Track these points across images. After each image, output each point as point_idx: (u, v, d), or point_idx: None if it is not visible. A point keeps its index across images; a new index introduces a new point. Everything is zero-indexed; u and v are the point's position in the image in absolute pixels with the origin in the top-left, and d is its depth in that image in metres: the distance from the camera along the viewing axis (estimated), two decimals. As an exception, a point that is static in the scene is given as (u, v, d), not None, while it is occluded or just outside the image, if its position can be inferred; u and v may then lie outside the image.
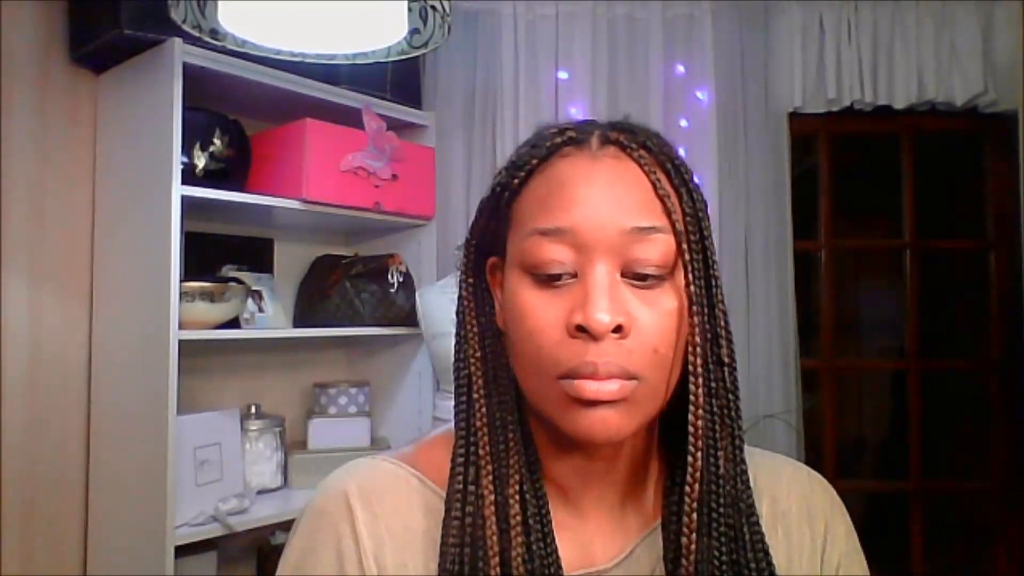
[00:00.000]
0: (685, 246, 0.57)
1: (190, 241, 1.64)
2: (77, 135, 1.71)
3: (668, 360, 0.56)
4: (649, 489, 0.65)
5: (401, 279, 1.96)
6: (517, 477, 0.58)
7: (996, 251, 2.35)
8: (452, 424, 0.64)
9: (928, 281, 2.44)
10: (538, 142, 0.60)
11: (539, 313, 0.56)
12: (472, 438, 0.60)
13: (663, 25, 2.24)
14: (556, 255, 0.56)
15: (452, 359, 0.65)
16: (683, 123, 2.25)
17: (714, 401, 0.58)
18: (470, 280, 0.64)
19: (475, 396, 0.61)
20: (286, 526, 1.59)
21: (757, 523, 0.60)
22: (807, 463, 0.72)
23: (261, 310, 1.91)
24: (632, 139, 0.59)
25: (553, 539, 0.58)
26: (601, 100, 2.22)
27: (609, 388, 0.54)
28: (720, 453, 0.58)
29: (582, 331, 0.54)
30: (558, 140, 0.59)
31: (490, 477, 0.58)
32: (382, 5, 1.21)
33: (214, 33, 1.26)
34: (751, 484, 0.61)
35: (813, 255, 2.43)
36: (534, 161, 0.59)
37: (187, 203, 1.55)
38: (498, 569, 0.56)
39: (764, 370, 2.22)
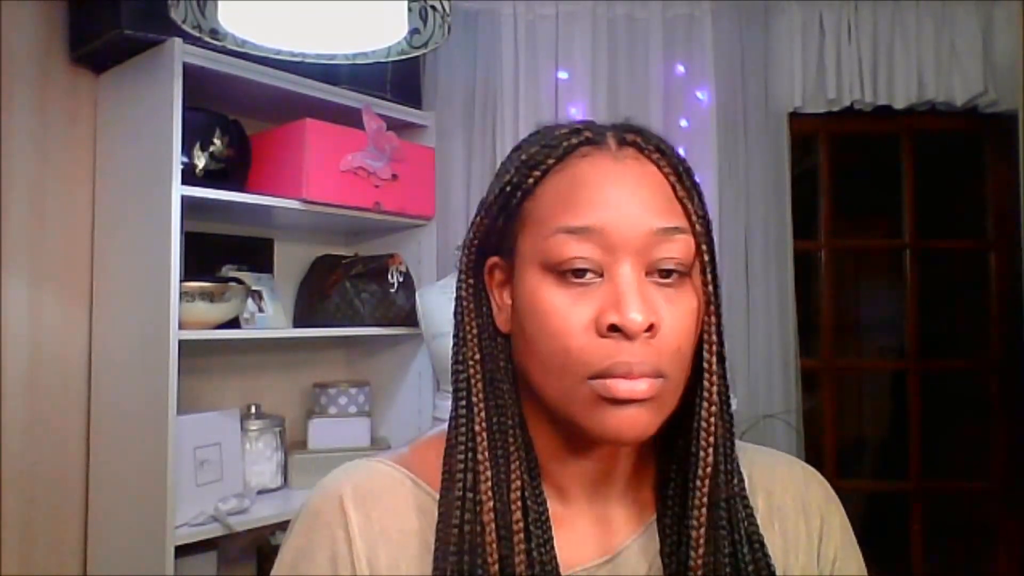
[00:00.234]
0: (704, 247, 0.59)
1: (190, 241, 1.64)
2: (77, 135, 1.71)
3: (688, 358, 0.58)
4: (643, 484, 0.65)
5: (401, 279, 1.96)
6: (519, 483, 0.58)
7: (996, 251, 2.36)
8: (445, 425, 0.64)
9: (928, 281, 2.44)
10: (551, 142, 0.60)
11: (565, 313, 0.56)
12: (471, 443, 0.59)
13: (663, 25, 2.24)
14: (583, 253, 0.55)
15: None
16: (683, 123, 2.25)
17: (721, 398, 0.60)
18: (470, 281, 0.63)
19: (474, 400, 0.60)
20: (286, 526, 1.59)
21: (752, 517, 0.61)
22: (807, 463, 0.72)
23: (261, 310, 1.91)
24: (647, 141, 0.60)
25: (553, 544, 0.58)
26: (601, 100, 2.22)
27: (641, 387, 0.54)
28: (722, 449, 0.59)
29: (614, 331, 0.54)
30: (575, 140, 0.59)
31: (489, 483, 0.58)
32: (382, 5, 1.21)
33: (214, 33, 1.26)
34: (746, 479, 0.63)
35: (813, 255, 2.43)
36: (551, 161, 0.59)
37: (187, 203, 1.55)
38: None
39: (764, 370, 2.22)
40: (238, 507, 1.66)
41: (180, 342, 1.52)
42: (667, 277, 0.57)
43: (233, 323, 1.76)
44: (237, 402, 1.89)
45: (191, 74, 1.56)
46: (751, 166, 2.26)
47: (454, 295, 0.64)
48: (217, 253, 1.91)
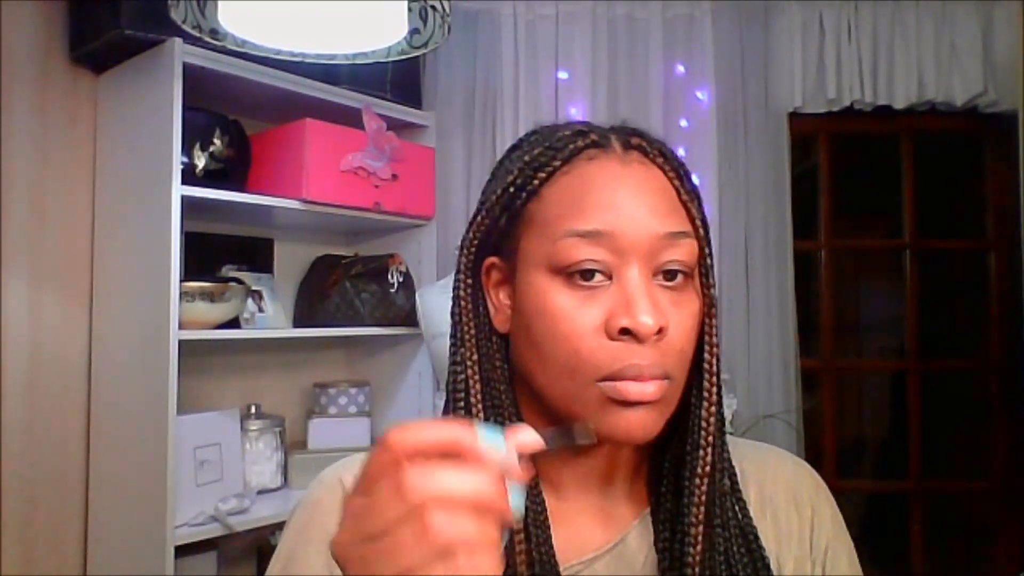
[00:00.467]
0: (707, 250, 0.60)
1: (190, 241, 1.64)
2: (77, 135, 1.71)
3: (690, 359, 0.59)
4: (638, 477, 0.66)
5: (401, 279, 1.96)
6: None
7: (996, 251, 2.36)
8: None
9: (928, 281, 2.44)
10: (556, 143, 0.60)
11: (574, 315, 0.56)
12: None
13: (663, 25, 2.24)
14: (592, 256, 0.56)
15: None
16: (683, 123, 2.25)
17: (719, 398, 0.61)
18: (468, 281, 0.63)
19: (472, 400, 0.60)
20: (286, 526, 1.59)
21: (746, 510, 0.63)
22: (807, 463, 0.73)
23: (261, 310, 1.91)
24: (651, 145, 0.60)
25: (551, 543, 0.59)
26: (601, 100, 2.22)
27: (650, 390, 0.55)
28: (717, 447, 0.61)
29: (625, 334, 0.55)
30: (580, 143, 0.59)
31: None
32: (382, 5, 1.21)
33: (214, 33, 1.26)
34: (738, 473, 0.64)
35: (813, 255, 2.43)
36: (556, 163, 0.59)
37: (187, 203, 1.55)
38: None
39: (764, 370, 2.22)
40: (238, 507, 1.66)
41: (180, 342, 1.52)
42: (672, 280, 0.58)
43: (233, 323, 1.76)
44: (237, 402, 1.89)
45: (191, 74, 1.56)
46: (751, 166, 2.26)
47: (452, 298, 0.64)
48: (217, 253, 1.91)
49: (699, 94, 2.25)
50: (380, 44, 1.29)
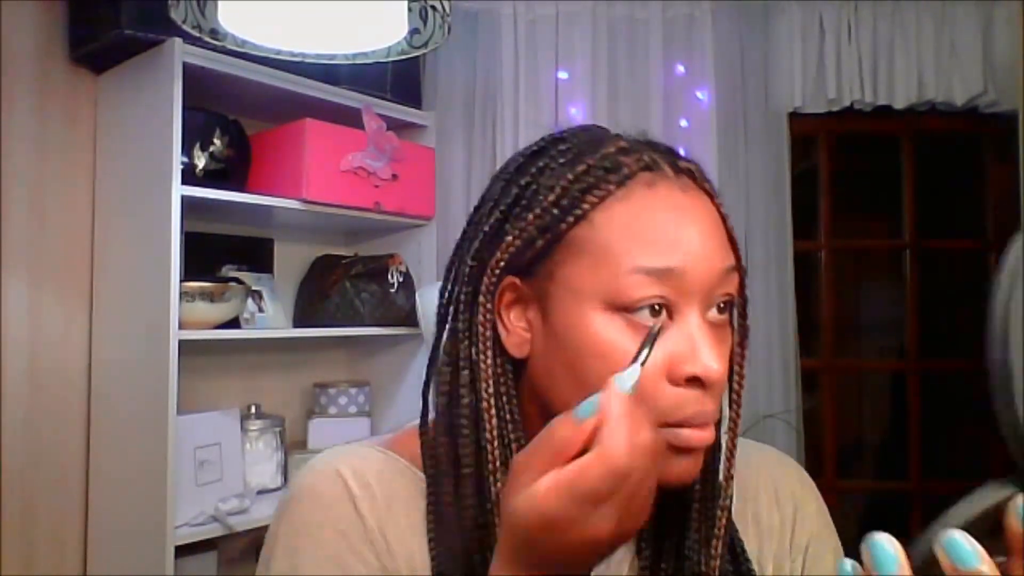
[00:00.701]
0: (747, 293, 0.58)
1: (190, 241, 1.64)
2: (77, 135, 1.71)
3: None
4: None
5: (401, 279, 1.96)
6: None
7: (996, 251, 2.35)
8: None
9: (928, 281, 2.44)
10: (605, 163, 0.55)
11: None
12: (484, 483, 0.56)
13: (663, 25, 2.24)
14: (660, 293, 0.53)
15: None
16: (683, 123, 2.25)
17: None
18: (488, 306, 0.57)
19: (487, 437, 0.56)
20: (286, 526, 1.59)
21: (732, 523, 0.62)
22: (807, 463, 0.73)
23: (261, 310, 1.91)
24: (697, 168, 0.58)
25: None
26: (601, 100, 2.22)
27: (708, 435, 0.54)
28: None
29: (692, 380, 0.53)
30: (634, 165, 0.55)
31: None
32: (382, 5, 1.21)
33: (214, 33, 1.26)
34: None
35: (813, 255, 2.43)
36: (611, 186, 0.55)
37: (187, 203, 1.55)
38: None
39: (764, 370, 2.22)
40: (238, 507, 1.66)
41: (180, 342, 1.52)
42: (722, 313, 0.56)
43: (233, 323, 1.76)
44: (237, 402, 1.89)
45: (191, 74, 1.56)
46: (751, 166, 2.26)
47: (453, 313, 0.60)
48: (217, 253, 1.91)
49: (699, 94, 2.25)
50: (380, 44, 1.29)
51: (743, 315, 0.58)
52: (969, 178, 2.48)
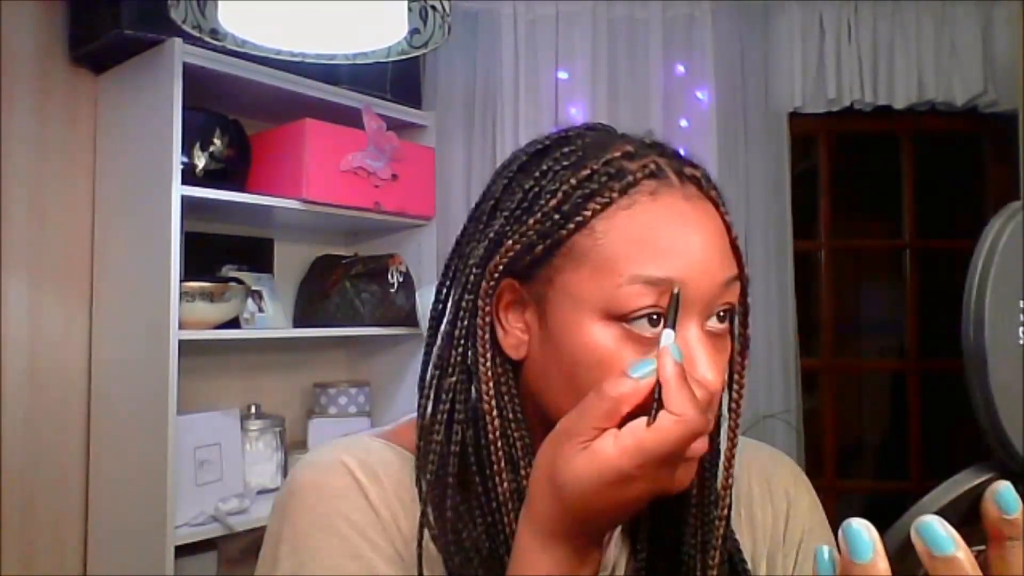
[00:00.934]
0: (748, 290, 0.58)
1: (190, 241, 1.64)
2: (77, 135, 1.71)
3: None
4: None
5: (401, 279, 1.96)
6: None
7: (996, 251, 2.35)
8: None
9: (928, 281, 2.44)
10: (607, 169, 0.55)
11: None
12: (490, 483, 0.56)
13: (663, 25, 2.24)
14: (656, 303, 0.52)
15: None
16: (683, 123, 2.25)
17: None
18: (487, 309, 0.57)
19: (490, 438, 0.56)
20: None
21: (730, 526, 0.62)
22: (807, 463, 0.73)
23: (261, 310, 1.91)
24: (704, 175, 0.57)
25: None
26: (601, 100, 2.22)
27: (704, 445, 0.53)
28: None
29: None
30: (639, 173, 0.54)
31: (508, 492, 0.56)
32: (382, 5, 1.21)
33: (214, 33, 1.26)
34: None
35: (813, 255, 2.43)
36: (614, 194, 0.54)
37: (187, 203, 1.55)
38: None
39: (764, 370, 2.22)
40: (238, 507, 1.66)
41: (180, 342, 1.52)
42: (722, 322, 0.55)
43: (233, 323, 1.76)
44: (237, 402, 1.89)
45: (191, 74, 1.56)
46: (751, 166, 2.26)
47: (450, 315, 0.60)
48: (217, 253, 1.91)
49: (699, 94, 2.25)
50: (380, 44, 1.29)
51: (744, 324, 0.58)
52: (969, 178, 2.48)
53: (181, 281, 1.56)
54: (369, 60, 1.34)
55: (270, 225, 2.04)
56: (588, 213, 0.54)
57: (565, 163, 0.57)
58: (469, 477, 0.57)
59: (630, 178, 0.54)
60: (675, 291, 0.51)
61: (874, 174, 2.69)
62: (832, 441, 2.36)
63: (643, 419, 0.46)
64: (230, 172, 1.70)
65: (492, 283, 0.57)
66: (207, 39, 1.27)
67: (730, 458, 0.58)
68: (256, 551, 0.63)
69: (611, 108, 2.21)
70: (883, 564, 0.35)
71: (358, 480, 0.59)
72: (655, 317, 0.52)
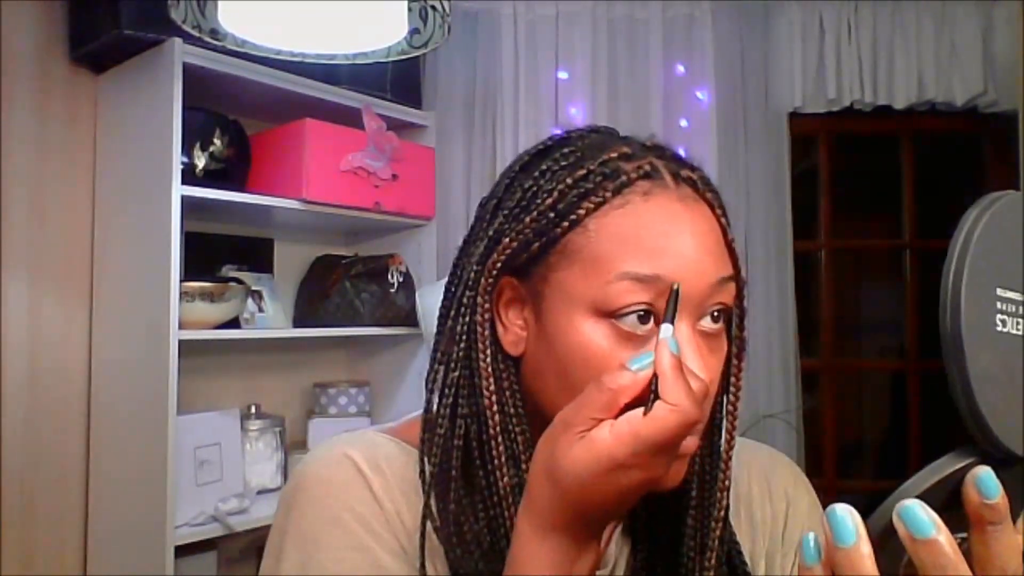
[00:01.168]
0: (745, 292, 0.58)
1: (190, 241, 1.64)
2: (77, 135, 1.71)
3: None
4: None
5: (401, 279, 1.96)
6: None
7: (996, 251, 2.35)
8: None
9: (928, 281, 2.44)
10: (602, 169, 0.55)
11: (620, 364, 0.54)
12: (492, 477, 0.56)
13: (663, 25, 2.25)
14: (647, 300, 0.52)
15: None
16: (683, 123, 2.25)
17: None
18: (486, 305, 0.58)
19: (491, 433, 0.56)
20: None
21: (732, 529, 0.63)
22: (807, 463, 0.73)
23: (261, 310, 1.91)
24: (702, 181, 0.58)
25: None
26: (601, 100, 2.22)
27: (694, 444, 0.54)
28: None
29: None
30: (633, 174, 0.55)
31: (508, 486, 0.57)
32: (382, 5, 1.21)
33: (214, 33, 1.26)
34: None
35: (813, 255, 2.43)
36: (607, 193, 0.55)
37: (187, 203, 1.55)
38: None
39: (764, 370, 2.22)
40: (238, 507, 1.66)
41: (180, 342, 1.52)
42: (716, 323, 0.56)
43: (233, 323, 1.76)
44: (237, 402, 1.89)
45: (191, 74, 1.56)
46: (751, 166, 2.26)
47: (453, 311, 0.60)
48: (217, 253, 1.91)
49: (699, 94, 2.25)
50: (380, 44, 1.29)
51: (740, 327, 0.58)
52: (969, 178, 2.48)
53: (181, 281, 1.56)
54: (369, 60, 1.34)
55: (270, 225, 2.04)
56: (582, 212, 0.55)
57: (563, 163, 0.57)
58: (472, 471, 0.58)
59: (624, 178, 0.55)
60: (675, 287, 0.51)
61: (874, 174, 2.69)
62: (832, 441, 2.37)
63: (640, 409, 0.47)
64: (230, 172, 1.70)
65: (491, 280, 0.58)
66: (207, 39, 1.27)
67: (728, 460, 0.59)
68: (256, 551, 0.63)
69: (611, 108, 2.21)
70: (866, 548, 0.36)
71: (362, 473, 0.60)
72: (644, 314, 0.53)
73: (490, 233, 0.59)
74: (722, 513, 0.58)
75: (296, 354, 2.11)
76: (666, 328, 0.50)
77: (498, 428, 0.56)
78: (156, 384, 1.52)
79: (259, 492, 1.79)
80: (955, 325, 0.39)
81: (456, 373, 0.59)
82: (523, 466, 0.56)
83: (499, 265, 0.58)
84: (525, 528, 0.50)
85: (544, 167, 0.58)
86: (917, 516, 0.35)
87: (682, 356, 0.52)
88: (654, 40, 2.24)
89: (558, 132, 0.63)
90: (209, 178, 1.65)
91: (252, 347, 2.01)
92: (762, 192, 2.26)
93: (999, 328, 0.41)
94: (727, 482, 0.58)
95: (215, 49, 1.47)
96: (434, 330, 0.64)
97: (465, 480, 0.58)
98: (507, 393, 0.58)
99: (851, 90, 2.25)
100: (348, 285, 1.96)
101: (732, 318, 0.58)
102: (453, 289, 0.62)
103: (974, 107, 2.25)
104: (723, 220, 0.57)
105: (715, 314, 0.55)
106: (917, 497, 0.36)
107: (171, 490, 1.50)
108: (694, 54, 2.25)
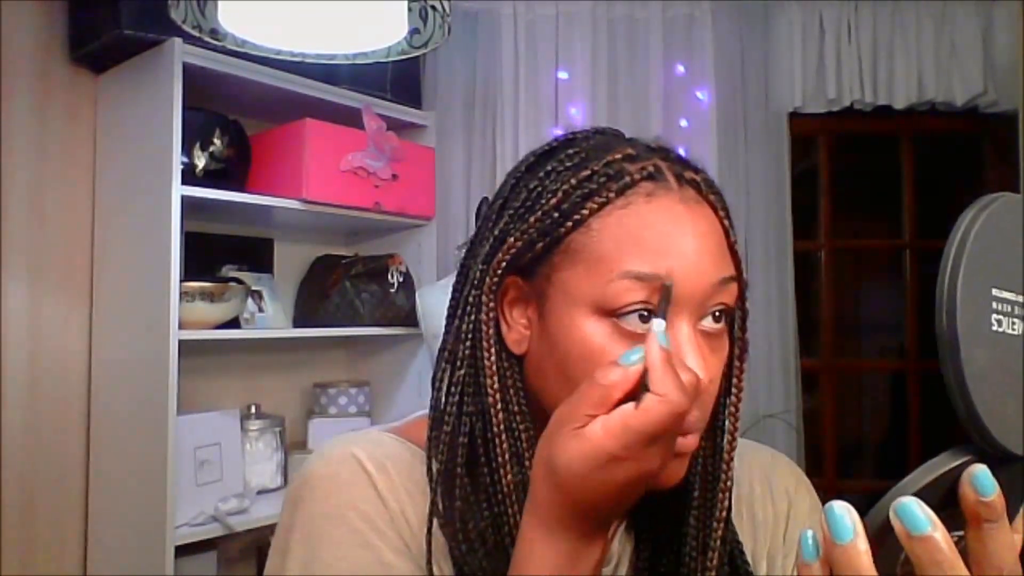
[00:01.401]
0: (748, 294, 0.58)
1: (190, 241, 1.64)
2: (77, 135, 1.71)
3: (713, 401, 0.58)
4: None
5: (401, 279, 1.96)
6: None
7: (996, 251, 2.35)
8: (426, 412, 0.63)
9: (928, 281, 2.44)
10: (608, 170, 0.56)
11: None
12: (496, 475, 0.57)
13: (663, 25, 2.25)
14: (645, 298, 0.53)
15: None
16: (683, 123, 2.25)
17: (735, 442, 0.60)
18: (491, 305, 0.59)
19: (494, 431, 0.57)
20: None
21: (735, 530, 0.63)
22: (807, 463, 0.74)
23: (261, 310, 1.91)
24: (705, 183, 0.58)
25: None
26: (601, 100, 2.22)
27: (693, 442, 0.54)
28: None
29: None
30: (636, 175, 0.55)
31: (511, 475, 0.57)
32: (382, 5, 1.21)
33: (214, 33, 1.26)
34: None
35: (813, 255, 2.43)
36: (611, 194, 0.55)
37: (187, 203, 1.55)
38: None
39: (764, 370, 2.22)
40: (238, 507, 1.66)
41: (180, 342, 1.52)
42: (717, 322, 0.56)
43: (233, 323, 1.76)
44: (237, 402, 1.89)
45: (191, 74, 1.56)
46: (751, 166, 2.26)
47: (459, 310, 0.61)
48: (217, 253, 1.91)
49: (699, 94, 2.25)
50: (380, 44, 1.29)
51: (743, 328, 0.59)
52: (969, 178, 2.48)
53: (181, 281, 1.56)
54: (369, 60, 1.34)
55: (270, 225, 2.04)
56: (586, 212, 0.55)
57: (568, 164, 0.58)
58: (477, 469, 0.58)
59: (628, 179, 0.55)
60: (667, 283, 0.52)
61: (874, 174, 2.69)
62: (832, 441, 2.37)
63: (631, 403, 0.47)
64: (230, 172, 1.70)
65: (495, 279, 0.58)
66: (207, 39, 1.27)
67: (730, 460, 0.59)
68: (256, 551, 0.64)
69: (611, 108, 2.21)
70: (864, 545, 0.36)
71: (367, 471, 0.60)
72: (645, 313, 0.53)
73: (495, 233, 0.59)
74: (724, 514, 0.58)
75: (296, 354, 2.11)
76: (657, 323, 0.50)
77: (502, 426, 0.57)
78: (156, 384, 1.52)
79: (259, 492, 1.79)
80: (951, 325, 0.40)
81: (462, 371, 0.59)
82: (526, 464, 0.56)
83: (504, 265, 0.58)
84: (528, 526, 0.51)
85: (549, 168, 0.58)
86: (913, 513, 0.36)
87: (682, 355, 0.53)
88: (654, 40, 2.24)
89: (559, 132, 0.63)
90: (209, 178, 1.65)
91: (252, 347, 2.01)
92: (762, 192, 2.26)
93: (995, 328, 0.41)
94: (729, 483, 0.59)
95: (215, 49, 1.47)
96: (434, 330, 0.64)
97: (470, 478, 0.59)
98: (511, 391, 0.58)
99: (851, 90, 2.25)
100: (348, 285, 1.96)
101: (734, 319, 0.59)
102: (459, 288, 0.63)
103: (974, 107, 2.25)
104: (726, 222, 0.58)
105: (716, 314, 0.56)
106: (914, 494, 0.37)
107: (171, 490, 1.50)
108: (694, 54, 2.25)
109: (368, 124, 1.83)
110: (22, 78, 1.64)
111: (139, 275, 1.60)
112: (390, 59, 1.34)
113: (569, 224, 0.55)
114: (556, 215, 0.56)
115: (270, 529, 1.81)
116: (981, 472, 0.37)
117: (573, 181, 0.56)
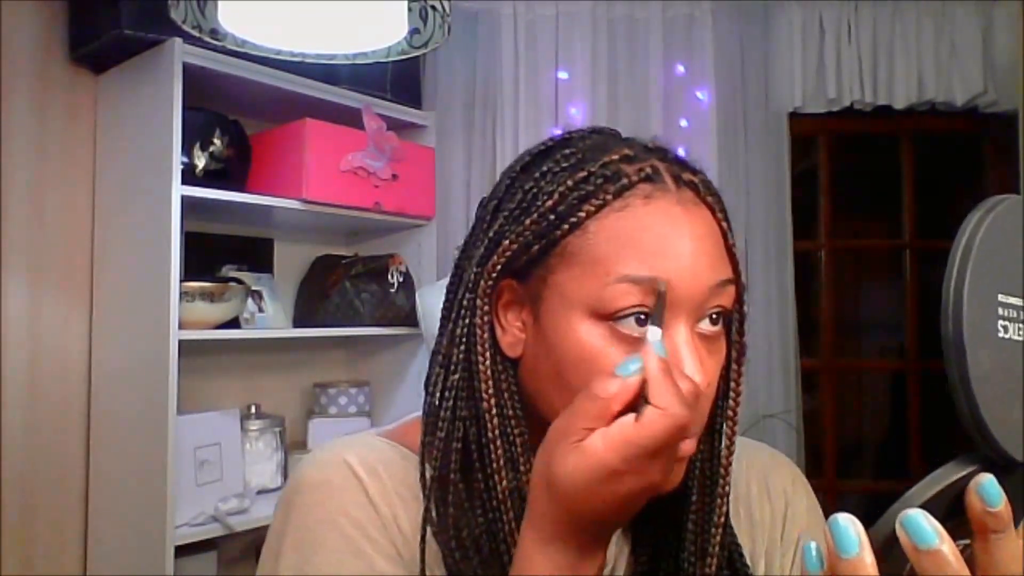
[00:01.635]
0: (746, 296, 0.58)
1: (190, 241, 1.64)
2: (77, 135, 1.71)
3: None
4: None
5: (401, 279, 1.96)
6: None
7: (996, 251, 2.35)
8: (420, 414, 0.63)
9: (928, 281, 2.44)
10: (603, 171, 0.55)
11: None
12: (491, 481, 0.56)
13: (663, 25, 2.25)
14: (644, 302, 0.52)
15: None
16: (683, 123, 2.25)
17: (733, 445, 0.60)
18: (485, 307, 0.58)
19: (489, 436, 0.56)
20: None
21: (734, 532, 0.63)
22: (807, 463, 0.73)
23: (261, 310, 1.91)
24: (704, 185, 0.57)
25: None
26: (601, 100, 2.22)
27: (691, 447, 0.54)
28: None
29: None
30: (634, 176, 0.55)
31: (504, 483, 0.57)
32: (382, 5, 1.21)
33: (214, 33, 1.26)
34: None
35: (813, 255, 2.43)
36: (608, 196, 0.54)
37: (187, 203, 1.55)
38: None
39: (764, 370, 2.22)
40: (238, 507, 1.66)
41: (180, 342, 1.52)
42: (714, 325, 0.56)
43: (233, 323, 1.76)
44: (237, 402, 1.89)
45: (191, 74, 1.56)
46: (751, 166, 2.26)
47: (453, 313, 0.60)
48: (217, 253, 1.91)
49: (699, 94, 2.25)
50: (380, 44, 1.29)
51: (740, 331, 0.58)
52: (969, 178, 2.48)
53: (181, 281, 1.56)
54: (369, 60, 1.34)
55: (270, 225, 2.04)
56: (583, 215, 0.54)
57: (564, 165, 0.57)
58: (471, 475, 0.58)
59: (625, 181, 0.55)
60: (661, 289, 0.52)
61: (874, 174, 2.69)
62: (832, 441, 2.37)
63: (631, 415, 0.46)
64: (230, 172, 1.70)
65: (490, 282, 0.58)
66: (207, 39, 1.27)
67: (727, 465, 0.59)
68: (256, 551, 0.63)
69: (611, 108, 2.21)
70: (869, 558, 0.35)
71: (359, 477, 0.60)
72: (642, 317, 0.53)
73: (490, 235, 0.58)
74: (722, 519, 0.58)
75: (296, 354, 2.11)
76: (653, 331, 0.49)
77: (496, 431, 0.56)
78: (156, 384, 1.52)
79: (259, 492, 1.79)
80: (957, 330, 0.39)
81: (456, 375, 0.59)
82: (521, 469, 0.56)
83: (499, 267, 0.57)
84: (527, 539, 0.50)
85: (545, 168, 0.57)
86: (920, 526, 0.35)
87: (679, 358, 0.52)
88: (654, 40, 2.24)
89: (558, 132, 0.62)
90: (209, 178, 1.65)
91: (252, 347, 2.01)
92: (762, 192, 2.26)
93: (1000, 334, 0.41)
94: (727, 487, 0.58)
95: (215, 49, 1.47)
96: (434, 330, 0.64)
97: (464, 484, 0.58)
98: (505, 395, 0.57)
99: (851, 90, 2.25)
100: (348, 285, 1.96)
101: (732, 322, 0.58)
102: (454, 291, 0.62)
103: (974, 107, 2.25)
104: (724, 224, 0.57)
105: (714, 317, 0.55)
106: (920, 506, 0.36)
107: (171, 490, 1.50)
108: (694, 54, 2.25)
109: (368, 124, 1.83)
110: (22, 78, 1.64)
111: (139, 275, 1.60)
112: (390, 59, 1.34)
113: (565, 227, 0.55)
114: (552, 217, 0.55)
115: (268, 531, 1.81)
116: (988, 482, 0.37)
117: (569, 183, 0.55)
